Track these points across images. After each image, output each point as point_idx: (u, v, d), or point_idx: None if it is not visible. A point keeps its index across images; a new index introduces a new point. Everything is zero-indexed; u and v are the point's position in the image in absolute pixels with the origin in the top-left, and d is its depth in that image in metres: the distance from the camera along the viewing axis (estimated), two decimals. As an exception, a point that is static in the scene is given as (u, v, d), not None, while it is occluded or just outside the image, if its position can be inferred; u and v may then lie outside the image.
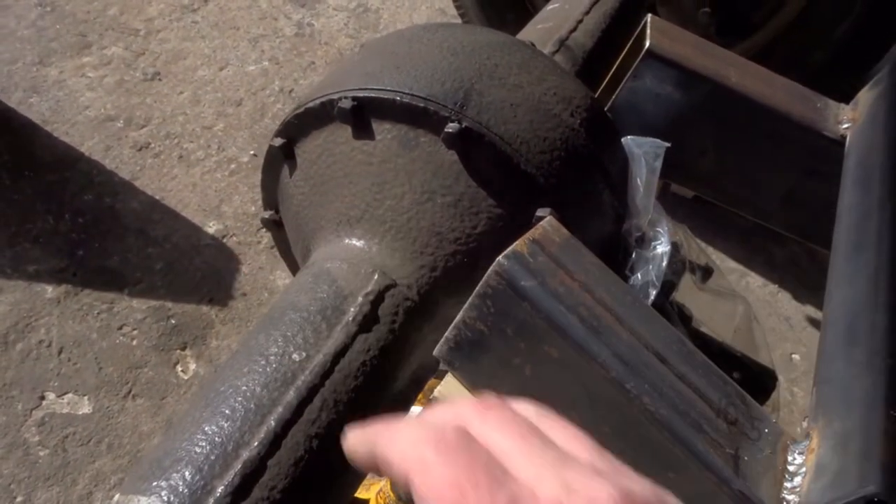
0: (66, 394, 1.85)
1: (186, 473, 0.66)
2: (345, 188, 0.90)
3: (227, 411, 0.71)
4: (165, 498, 0.65)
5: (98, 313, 2.00)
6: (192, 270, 2.13)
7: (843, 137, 1.07)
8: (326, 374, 0.74)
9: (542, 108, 0.88)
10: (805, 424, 0.65)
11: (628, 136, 1.01)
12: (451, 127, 0.82)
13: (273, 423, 0.70)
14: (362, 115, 0.87)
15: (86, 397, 1.85)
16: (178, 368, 1.95)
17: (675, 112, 1.11)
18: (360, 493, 1.55)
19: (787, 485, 0.62)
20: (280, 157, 0.97)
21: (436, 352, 0.78)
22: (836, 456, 0.59)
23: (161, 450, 0.71)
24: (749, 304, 1.06)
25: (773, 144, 1.10)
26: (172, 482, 0.66)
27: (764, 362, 1.05)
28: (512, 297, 0.67)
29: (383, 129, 0.87)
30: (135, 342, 1.97)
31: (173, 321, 2.01)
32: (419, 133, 0.85)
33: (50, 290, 2.02)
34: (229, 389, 0.73)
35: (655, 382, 0.63)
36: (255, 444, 0.68)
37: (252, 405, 0.71)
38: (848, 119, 1.07)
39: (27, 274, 2.04)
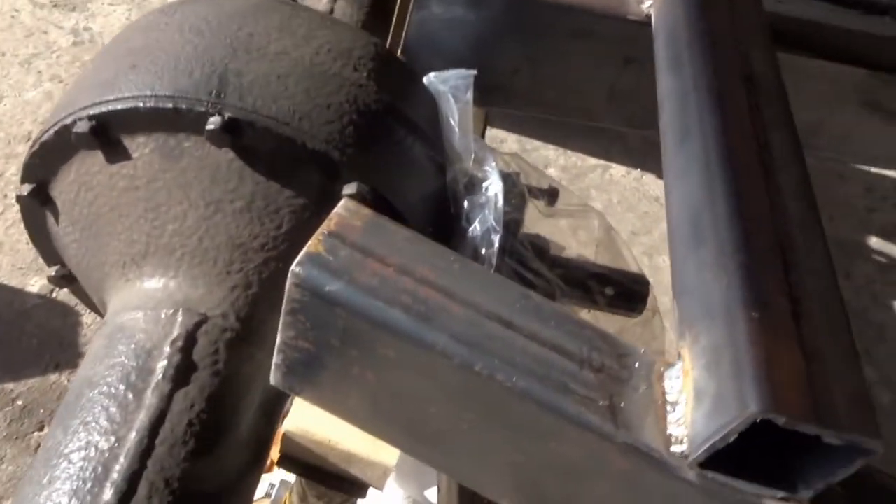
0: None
1: None
2: (117, 223, 0.75)
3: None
4: None
5: (-65, 420, 1.75)
6: (25, 339, 1.91)
7: (649, 17, 1.01)
8: (146, 452, 0.62)
9: (318, 71, 0.76)
10: (676, 343, 0.59)
11: (430, 74, 0.91)
12: (212, 122, 0.69)
13: (91, 538, 0.57)
14: (108, 134, 0.73)
15: (-51, 513, 1.62)
16: (49, 447, 1.75)
17: (473, 34, 1.01)
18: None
19: (671, 417, 0.56)
20: (35, 206, 0.81)
21: (272, 381, 0.67)
22: (711, 376, 0.53)
23: None
24: (601, 213, 1.01)
25: (582, 43, 1.03)
26: None
27: (631, 268, 1.01)
28: (322, 307, 0.57)
29: (138, 145, 0.73)
30: (-14, 438, 1.74)
31: (20, 402, 1.79)
32: (180, 138, 0.72)
33: None
34: (30, 513, 0.60)
35: (505, 353, 0.55)
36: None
37: (61, 525, 0.59)
38: (649, -4, 1.02)
39: None
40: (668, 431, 0.55)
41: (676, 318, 0.60)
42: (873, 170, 2.88)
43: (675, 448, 0.54)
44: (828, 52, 0.99)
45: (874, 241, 2.78)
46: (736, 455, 0.51)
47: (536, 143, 2.72)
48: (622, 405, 0.56)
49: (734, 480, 0.52)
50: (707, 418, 0.52)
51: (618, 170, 2.71)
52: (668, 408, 0.56)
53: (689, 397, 0.55)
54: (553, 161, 2.73)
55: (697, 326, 0.56)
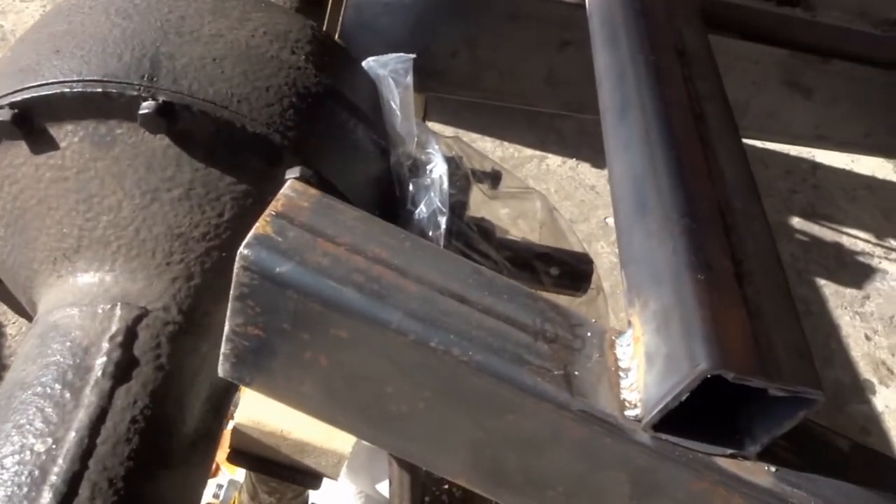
0: None
1: None
2: (46, 217, 0.72)
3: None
4: None
5: None
6: (-55, 353, 1.79)
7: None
8: (86, 453, 0.59)
9: (255, 54, 0.74)
10: (624, 312, 0.60)
11: (369, 59, 0.90)
12: (145, 107, 0.66)
13: (31, 545, 0.54)
14: (31, 122, 0.69)
15: None
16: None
17: (412, 18, 1.01)
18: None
19: (624, 383, 0.57)
20: (-47, 203, 0.76)
21: (220, 372, 0.65)
22: (661, 339, 0.54)
23: None
24: (544, 195, 1.02)
25: (518, 26, 1.04)
26: None
27: (574, 247, 1.03)
28: (273, 289, 0.55)
29: (66, 133, 0.69)
30: None
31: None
32: (111, 125, 0.69)
33: None
34: (-38, 523, 0.56)
35: (460, 328, 0.55)
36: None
37: (-2, 533, 0.55)
38: (582, -21, 1.03)
39: None
40: (622, 397, 0.56)
41: (625, 287, 0.61)
42: (793, 153, 3.02)
43: (629, 412, 0.55)
44: (752, 33, 1.03)
45: (796, 221, 2.92)
46: (686, 418, 0.53)
47: (473, 135, 2.74)
48: (576, 374, 0.56)
49: (685, 441, 0.54)
50: (659, 380, 0.53)
51: (553, 160, 2.76)
52: (621, 374, 0.57)
53: (640, 362, 0.56)
54: (490, 152, 2.75)
55: (646, 292, 0.57)
